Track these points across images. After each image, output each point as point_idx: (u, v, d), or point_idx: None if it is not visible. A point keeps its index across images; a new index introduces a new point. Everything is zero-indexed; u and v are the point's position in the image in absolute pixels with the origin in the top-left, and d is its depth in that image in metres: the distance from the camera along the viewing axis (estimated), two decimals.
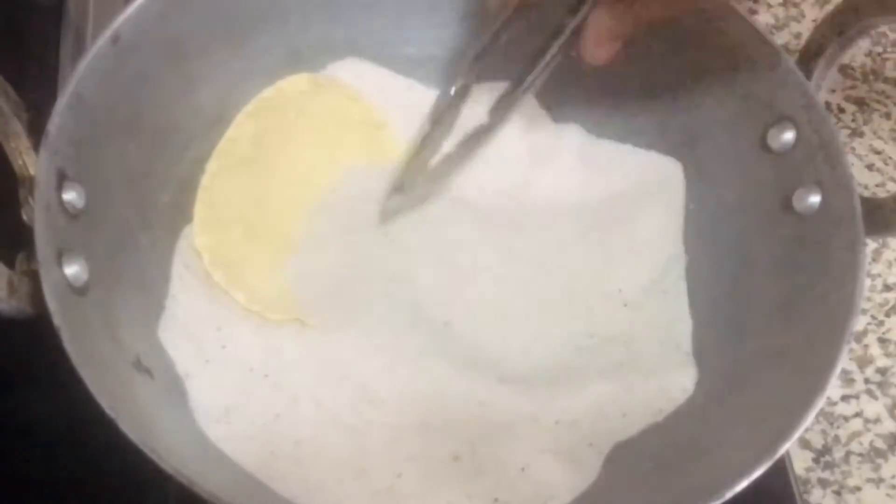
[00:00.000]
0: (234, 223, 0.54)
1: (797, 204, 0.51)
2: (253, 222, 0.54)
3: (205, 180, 0.54)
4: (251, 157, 0.55)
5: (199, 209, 0.53)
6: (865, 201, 0.49)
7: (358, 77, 0.58)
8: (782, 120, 0.52)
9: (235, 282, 0.52)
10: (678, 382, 0.52)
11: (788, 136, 0.52)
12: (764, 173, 0.53)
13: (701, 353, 0.53)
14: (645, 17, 0.49)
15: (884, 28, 0.76)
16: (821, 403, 0.44)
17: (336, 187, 0.56)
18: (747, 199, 0.54)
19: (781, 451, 0.43)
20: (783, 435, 0.43)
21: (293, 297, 0.53)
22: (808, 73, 0.52)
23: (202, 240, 0.52)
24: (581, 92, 0.58)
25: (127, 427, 0.39)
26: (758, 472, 0.42)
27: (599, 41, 0.50)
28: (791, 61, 0.52)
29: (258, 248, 0.54)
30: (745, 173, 0.54)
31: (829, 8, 0.76)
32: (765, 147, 0.53)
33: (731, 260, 0.54)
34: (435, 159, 0.55)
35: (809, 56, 0.52)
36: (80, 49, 0.59)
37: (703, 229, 0.56)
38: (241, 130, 0.55)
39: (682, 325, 0.54)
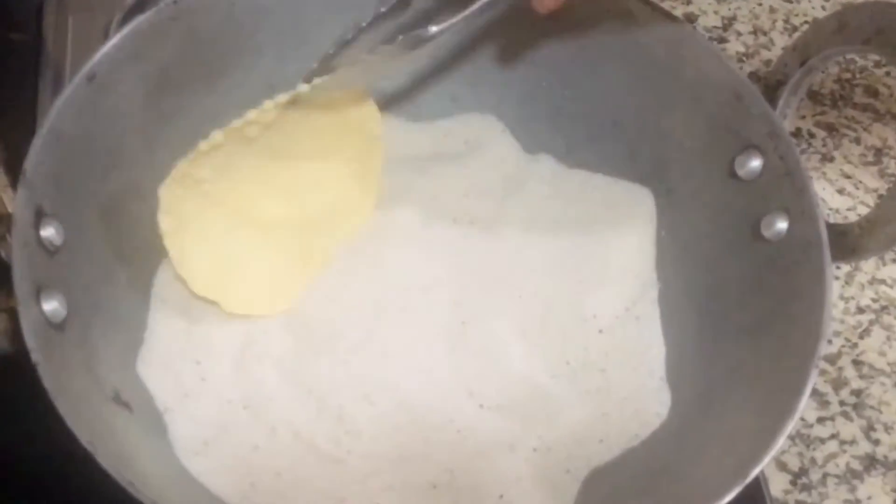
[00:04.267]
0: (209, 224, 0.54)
1: (765, 230, 0.51)
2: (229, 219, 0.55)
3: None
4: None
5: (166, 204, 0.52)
6: (832, 227, 0.50)
7: None
8: (749, 148, 0.52)
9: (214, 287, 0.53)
10: (653, 408, 0.53)
11: (755, 163, 0.52)
12: (733, 200, 0.53)
13: (674, 378, 0.54)
14: None
15: (851, 55, 0.77)
16: (791, 427, 0.44)
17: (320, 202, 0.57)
18: (717, 225, 0.54)
19: (753, 474, 0.43)
20: (755, 458, 0.44)
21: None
22: (774, 102, 0.53)
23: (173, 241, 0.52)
24: (552, 122, 0.59)
25: (105, 461, 0.40)
26: (730, 495, 0.43)
27: None
28: (757, 90, 0.52)
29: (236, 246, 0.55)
30: (715, 200, 0.54)
31: (798, 35, 0.79)
32: (733, 175, 0.53)
33: (703, 286, 0.55)
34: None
35: (774, 85, 0.53)
36: (58, 85, 0.60)
37: (674, 256, 0.56)
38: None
39: (655, 351, 0.55)
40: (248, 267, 0.55)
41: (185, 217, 0.52)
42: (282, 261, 0.55)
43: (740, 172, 0.53)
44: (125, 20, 0.59)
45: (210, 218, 0.54)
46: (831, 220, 0.51)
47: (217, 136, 0.50)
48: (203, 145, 0.50)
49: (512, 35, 0.58)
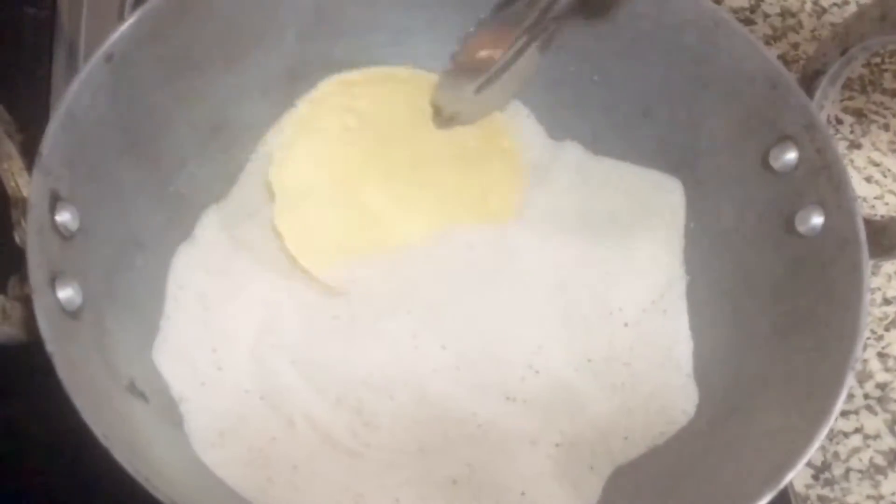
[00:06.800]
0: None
1: (799, 225, 0.50)
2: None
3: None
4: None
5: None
6: (869, 223, 0.49)
7: None
8: (784, 139, 0.51)
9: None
10: (679, 405, 0.52)
11: (790, 155, 0.51)
12: (766, 193, 0.52)
13: (702, 376, 0.53)
14: None
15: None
16: (825, 432, 0.43)
17: None
18: (749, 218, 0.53)
19: (786, 480, 0.42)
20: (788, 463, 0.43)
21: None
22: (811, 92, 0.52)
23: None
24: (578, 108, 0.58)
25: (121, 456, 0.39)
26: (762, 502, 0.42)
27: None
28: (793, 80, 0.51)
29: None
30: (747, 193, 0.53)
31: (828, 18, 0.77)
32: (766, 166, 0.52)
33: (732, 280, 0.54)
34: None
35: (812, 75, 0.52)
36: (72, 65, 0.59)
37: (703, 249, 0.55)
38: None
39: (682, 346, 0.54)
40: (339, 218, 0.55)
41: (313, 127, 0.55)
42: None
43: (775, 165, 0.52)
44: None
45: (331, 146, 0.55)
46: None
47: (378, 71, 0.54)
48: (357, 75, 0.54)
49: None
